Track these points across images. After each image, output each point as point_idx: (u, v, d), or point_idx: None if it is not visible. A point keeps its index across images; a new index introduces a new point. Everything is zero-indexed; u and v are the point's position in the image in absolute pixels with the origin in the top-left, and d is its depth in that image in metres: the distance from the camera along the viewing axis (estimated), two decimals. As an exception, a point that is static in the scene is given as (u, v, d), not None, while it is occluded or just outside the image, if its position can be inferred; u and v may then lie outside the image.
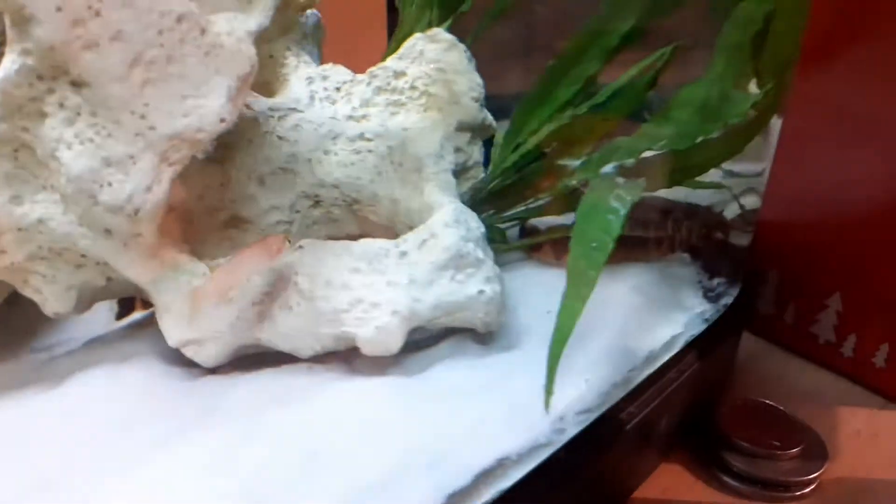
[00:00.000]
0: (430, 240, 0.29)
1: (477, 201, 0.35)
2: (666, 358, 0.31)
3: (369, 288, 0.28)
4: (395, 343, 0.28)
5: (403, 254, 0.29)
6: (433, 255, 0.29)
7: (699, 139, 0.30)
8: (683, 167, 0.31)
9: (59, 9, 0.22)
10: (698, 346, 0.32)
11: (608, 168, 0.31)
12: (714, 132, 0.30)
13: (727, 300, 0.36)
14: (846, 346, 0.37)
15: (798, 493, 0.31)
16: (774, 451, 0.31)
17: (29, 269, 0.26)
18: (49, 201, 0.25)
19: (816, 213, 0.37)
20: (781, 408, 0.34)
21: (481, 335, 0.30)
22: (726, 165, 0.37)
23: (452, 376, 0.28)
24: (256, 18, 0.28)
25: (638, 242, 0.36)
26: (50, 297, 0.27)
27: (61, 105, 0.23)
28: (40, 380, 0.27)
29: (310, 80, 0.35)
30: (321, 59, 0.39)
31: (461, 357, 0.29)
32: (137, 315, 0.32)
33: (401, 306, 0.28)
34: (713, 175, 0.37)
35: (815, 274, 0.38)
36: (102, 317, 0.32)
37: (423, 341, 0.30)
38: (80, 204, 0.24)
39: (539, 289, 0.34)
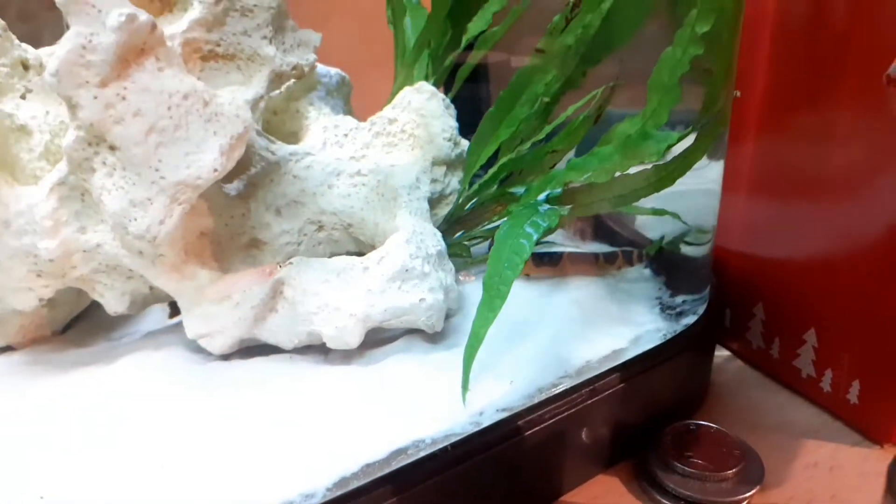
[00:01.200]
0: (386, 257, 0.36)
1: (451, 223, 0.42)
2: (600, 370, 0.34)
3: (335, 295, 0.36)
4: (352, 339, 0.35)
5: (366, 268, 0.36)
6: (386, 269, 0.36)
7: (617, 173, 0.35)
8: (610, 197, 0.36)
9: (95, 97, 0.31)
10: (635, 364, 0.34)
11: (542, 196, 0.37)
12: (629, 168, 0.35)
13: (690, 319, 0.39)
14: (824, 381, 0.39)
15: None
16: (704, 473, 0.33)
17: (94, 279, 0.36)
18: (104, 230, 0.35)
19: (786, 250, 0.39)
20: (731, 434, 0.36)
21: (431, 335, 0.37)
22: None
23: (400, 368, 0.35)
24: (254, 89, 0.37)
25: (586, 259, 0.41)
26: (110, 300, 0.37)
27: (104, 163, 0.33)
28: (104, 359, 0.36)
29: (325, 129, 0.43)
30: (350, 109, 0.48)
31: (411, 353, 0.36)
32: (185, 315, 0.42)
33: (357, 310, 0.35)
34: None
35: (794, 309, 0.39)
36: (159, 317, 0.41)
37: (384, 338, 0.37)
38: (119, 233, 0.34)
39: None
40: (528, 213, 0.35)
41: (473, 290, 0.41)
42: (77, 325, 0.41)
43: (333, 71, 0.46)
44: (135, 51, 0.32)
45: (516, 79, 0.39)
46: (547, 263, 0.41)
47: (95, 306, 0.41)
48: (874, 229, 0.34)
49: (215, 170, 0.34)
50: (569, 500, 0.33)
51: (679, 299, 0.41)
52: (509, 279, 0.32)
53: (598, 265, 0.41)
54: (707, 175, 0.37)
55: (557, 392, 0.32)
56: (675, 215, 0.39)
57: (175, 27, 0.35)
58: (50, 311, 0.38)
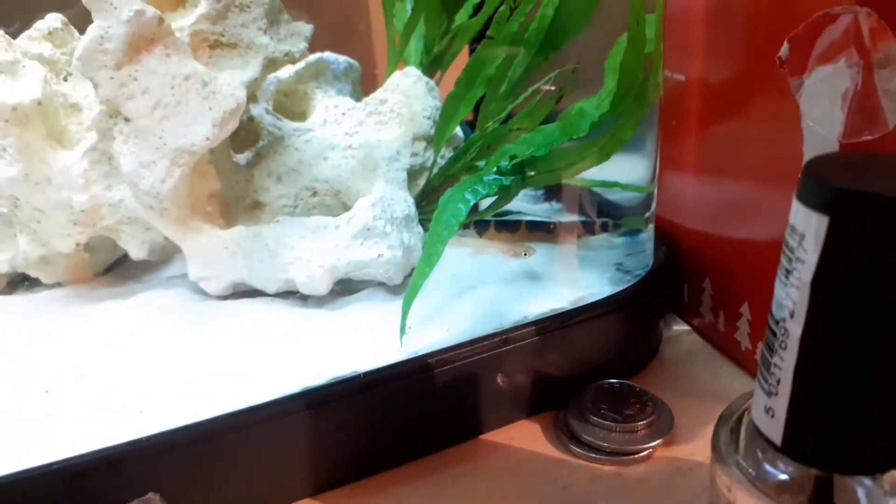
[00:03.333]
0: (353, 217, 0.42)
1: (427, 192, 0.47)
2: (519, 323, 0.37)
3: (308, 249, 0.41)
4: (320, 287, 0.41)
5: (337, 227, 0.42)
6: (352, 228, 0.41)
7: (552, 148, 0.39)
8: (551, 170, 0.40)
9: (111, 78, 0.39)
10: (552, 320, 0.37)
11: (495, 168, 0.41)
12: (561, 143, 0.38)
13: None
14: (758, 353, 0.39)
15: (618, 458, 0.35)
16: (613, 424, 0.36)
17: (119, 229, 0.44)
18: (125, 188, 0.43)
19: (725, 228, 0.41)
20: (651, 393, 0.38)
21: (393, 288, 0.42)
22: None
23: (358, 313, 0.41)
24: (249, 73, 0.43)
25: (544, 227, 0.44)
26: (133, 247, 0.45)
27: (121, 132, 0.40)
28: (126, 296, 0.44)
29: (327, 108, 0.49)
30: (358, 91, 0.53)
31: (372, 301, 0.42)
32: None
33: (325, 262, 0.41)
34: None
35: (733, 284, 0.41)
36: (182, 265, 0.49)
37: (354, 289, 0.43)
38: (132, 190, 0.41)
39: (459, 259, 0.44)
40: (471, 181, 0.39)
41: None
42: (116, 269, 0.49)
43: (342, 58, 0.51)
44: (146, 40, 0.39)
45: (471, 63, 0.43)
46: (506, 230, 0.45)
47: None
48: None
49: (207, 138, 0.40)
50: (487, 438, 0.38)
51: (635, 267, 0.43)
52: (445, 239, 0.37)
53: (557, 233, 0.44)
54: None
55: (474, 337, 0.36)
56: (633, 187, 0.42)
57: (185, 21, 0.42)
58: (91, 255, 0.47)
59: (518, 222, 0.45)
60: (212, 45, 0.43)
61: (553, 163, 0.39)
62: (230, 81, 0.42)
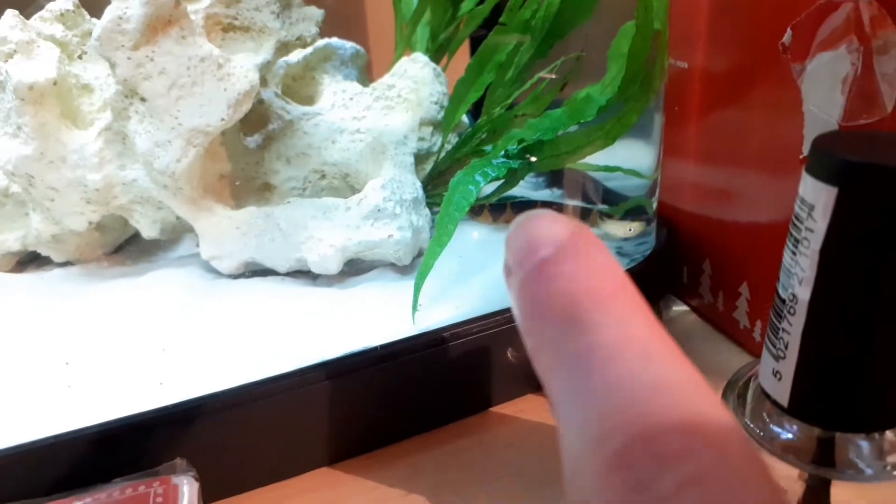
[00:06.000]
0: (364, 199, 0.43)
1: (433, 176, 0.48)
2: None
3: (319, 229, 0.42)
4: (332, 266, 0.42)
5: (348, 208, 0.43)
6: (362, 209, 0.42)
7: (560, 132, 0.40)
8: (558, 154, 0.41)
9: (129, 58, 0.39)
10: None
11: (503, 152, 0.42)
12: (567, 128, 0.40)
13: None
14: (756, 331, 0.42)
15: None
16: None
17: (132, 208, 0.45)
18: (139, 168, 0.44)
19: (724, 211, 0.42)
20: None
21: (402, 268, 0.43)
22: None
23: (369, 292, 0.42)
24: (262, 56, 0.44)
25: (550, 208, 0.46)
26: (144, 226, 0.45)
27: (136, 112, 0.41)
28: (138, 274, 0.45)
29: (335, 93, 0.50)
30: (365, 77, 0.54)
31: (382, 281, 0.43)
32: (211, 246, 0.50)
33: (336, 242, 0.42)
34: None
35: (732, 265, 0.43)
36: (191, 244, 0.49)
37: (363, 269, 0.44)
38: (147, 169, 0.42)
39: (466, 241, 0.45)
40: (481, 164, 0.40)
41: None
42: (125, 248, 0.50)
43: (349, 44, 0.52)
44: (162, 21, 0.40)
45: (482, 49, 0.44)
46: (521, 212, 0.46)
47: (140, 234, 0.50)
48: (789, 195, 0.37)
49: (222, 119, 0.41)
50: (497, 410, 0.39)
51: (633, 252, 0.45)
52: (456, 219, 0.38)
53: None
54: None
55: (483, 314, 0.37)
56: (635, 172, 0.43)
57: (200, 3, 0.43)
58: (101, 234, 0.47)
59: (533, 202, 0.46)
60: (225, 27, 0.44)
61: (560, 147, 0.40)
62: (244, 64, 0.42)
